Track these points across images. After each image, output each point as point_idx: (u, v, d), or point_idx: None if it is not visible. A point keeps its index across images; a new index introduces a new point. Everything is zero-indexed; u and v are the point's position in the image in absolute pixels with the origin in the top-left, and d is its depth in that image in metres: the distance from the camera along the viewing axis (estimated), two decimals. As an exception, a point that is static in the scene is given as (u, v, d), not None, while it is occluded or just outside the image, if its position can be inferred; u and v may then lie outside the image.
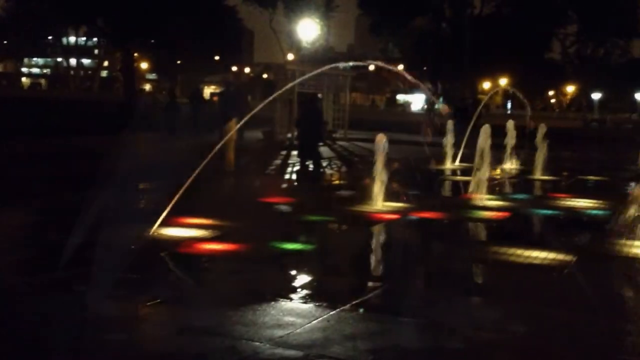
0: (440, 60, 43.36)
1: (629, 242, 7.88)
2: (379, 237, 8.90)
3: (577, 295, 6.13)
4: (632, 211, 8.05)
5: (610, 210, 10.44)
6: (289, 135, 23.90)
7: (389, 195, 10.46)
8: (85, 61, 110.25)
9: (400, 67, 42.20)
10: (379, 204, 10.27)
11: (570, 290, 6.31)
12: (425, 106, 43.50)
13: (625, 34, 60.15)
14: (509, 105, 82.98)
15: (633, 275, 7.09)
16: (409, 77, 11.35)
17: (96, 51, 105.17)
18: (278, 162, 18.33)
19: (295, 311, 5.20)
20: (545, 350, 4.64)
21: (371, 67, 66.19)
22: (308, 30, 38.15)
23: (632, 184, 12.23)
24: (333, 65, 15.04)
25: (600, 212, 10.81)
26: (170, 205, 7.84)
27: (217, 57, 67.70)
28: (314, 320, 4.95)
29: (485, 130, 12.01)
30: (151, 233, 7.66)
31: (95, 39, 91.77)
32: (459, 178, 15.38)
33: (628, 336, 5.06)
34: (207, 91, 68.32)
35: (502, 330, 5.04)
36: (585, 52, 65.25)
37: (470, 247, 8.07)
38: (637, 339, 5.09)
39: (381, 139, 10.55)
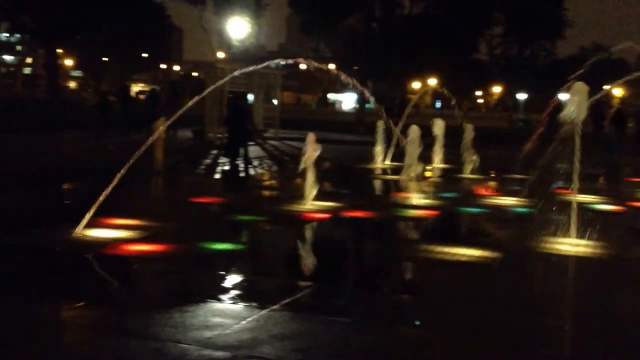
0: (370, 59, 43.85)
1: (552, 239, 8.20)
2: (309, 236, 8.94)
3: (502, 291, 6.35)
4: (554, 208, 8.37)
5: (535, 208, 10.84)
6: (219, 134, 23.72)
7: (320, 195, 10.53)
8: (7, 58, 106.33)
9: (332, 66, 42.56)
10: (310, 203, 10.33)
11: (496, 286, 6.53)
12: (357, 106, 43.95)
13: (550, 36, 62.37)
14: (438, 104, 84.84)
15: (556, 270, 7.38)
16: (343, 76, 11.47)
17: (19, 47, 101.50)
18: (208, 161, 18.17)
19: (225, 312, 5.18)
20: (472, 346, 4.77)
21: (302, 66, 66.40)
22: (238, 28, 37.91)
23: (556, 182, 12.76)
24: (265, 64, 15.09)
25: (525, 210, 11.19)
26: (96, 206, 7.67)
27: (145, 55, 66.45)
28: (243, 320, 4.94)
29: (414, 130, 12.26)
30: (75, 234, 7.46)
31: (18, 35, 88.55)
32: (389, 177, 15.62)
33: (551, 330, 5.27)
34: (135, 89, 66.89)
35: (430, 327, 5.17)
36: (511, 53, 67.24)
37: (399, 246, 8.23)
38: (560, 332, 5.31)
39: (311, 138, 10.61)
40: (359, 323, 5.16)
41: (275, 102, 31.31)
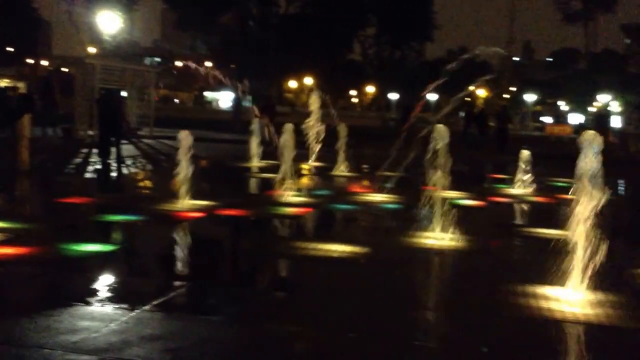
0: (247, 58, 43.75)
1: (418, 233, 8.61)
2: (183, 235, 8.85)
3: (372, 285, 6.60)
4: (421, 204, 8.76)
5: (405, 204, 11.34)
6: (90, 132, 22.86)
7: (195, 193, 10.46)
8: None
9: (209, 64, 42.02)
10: (185, 202, 10.24)
11: (366, 280, 6.78)
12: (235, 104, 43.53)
13: (419, 38, 64.93)
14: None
15: (422, 263, 7.76)
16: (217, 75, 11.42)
17: None
18: (78, 160, 17.48)
19: (92, 315, 5.06)
20: (345, 339, 4.93)
21: (178, 63, 65.16)
22: (109, 22, 36.56)
23: (425, 180, 13.36)
24: (140, 60, 14.67)
25: (394, 206, 11.67)
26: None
27: (10, 49, 62.63)
28: (112, 323, 4.85)
29: (289, 129, 12.42)
30: None
31: None
32: (264, 175, 15.72)
33: (421, 321, 5.56)
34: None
35: (304, 322, 5.30)
36: (383, 54, 69.34)
37: (273, 243, 8.33)
38: (430, 322, 5.62)
39: (185, 136, 10.51)
40: (231, 321, 5.20)
41: (150, 99, 30.53)
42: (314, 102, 18.97)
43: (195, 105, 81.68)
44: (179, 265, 7.32)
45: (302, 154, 18.86)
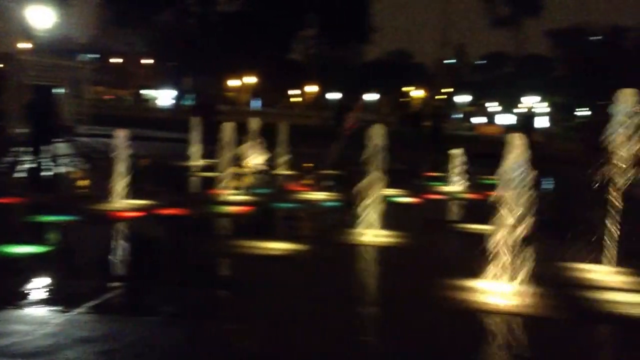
0: (187, 55, 43.18)
1: (357, 230, 8.66)
2: (120, 235, 8.65)
3: (312, 281, 6.61)
4: (360, 202, 8.82)
5: (344, 202, 11.39)
6: (22, 130, 22.08)
7: (133, 193, 10.23)
8: None
9: (148, 61, 41.28)
10: (122, 201, 10.01)
11: (306, 277, 6.77)
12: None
13: (359, 39, 65.49)
14: (258, 103, 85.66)
15: (360, 259, 7.81)
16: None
17: None
18: (9, 159, 16.84)
19: (24, 318, 4.88)
20: (284, 335, 4.91)
21: (115, 60, 63.77)
22: (43, 17, 35.37)
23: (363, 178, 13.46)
24: (75, 57, 14.26)
25: (334, 204, 11.72)
26: None
27: None
28: (45, 325, 4.68)
29: (228, 127, 12.32)
30: None
31: None
32: (204, 174, 15.54)
33: (360, 316, 5.58)
34: None
35: (244, 320, 5.24)
36: (324, 54, 69.64)
37: (213, 242, 8.24)
38: (367, 318, 5.65)
39: (122, 135, 10.28)
40: (168, 321, 5.10)
41: (85, 96, 29.73)
42: (255, 125, 18.82)
43: (134, 103, 79.98)
44: (116, 266, 7.13)
45: (243, 152, 18.75)
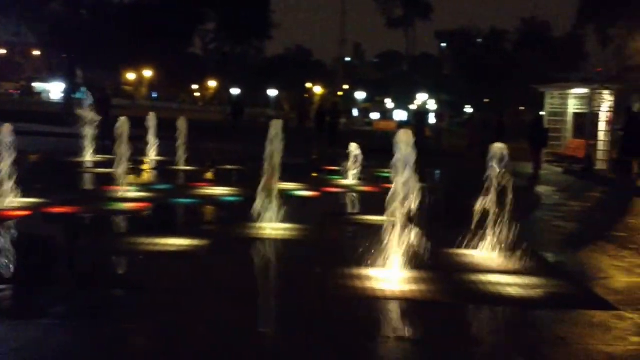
0: (79, 48, 41.37)
1: (257, 225, 8.68)
2: (4, 236, 8.13)
3: (212, 277, 6.56)
4: (260, 197, 8.85)
5: (244, 197, 11.38)
6: None
7: (19, 191, 9.70)
8: None
9: (37, 52, 39.27)
10: (7, 200, 9.49)
11: (206, 273, 6.72)
12: None
13: (259, 35, 65.30)
14: (154, 96, 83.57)
15: (260, 253, 7.85)
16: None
17: None
18: None
19: None
20: (183, 331, 4.86)
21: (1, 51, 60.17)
22: None
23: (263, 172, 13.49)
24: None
25: (235, 199, 11.68)
26: None
27: None
28: None
29: (124, 122, 11.99)
30: None
31: None
32: (100, 170, 15.02)
33: (259, 308, 5.61)
34: None
35: (141, 318, 5.15)
36: (224, 49, 68.92)
37: (109, 240, 7.98)
38: (266, 310, 5.69)
39: (6, 130, 9.74)
40: (59, 323, 4.89)
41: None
42: (153, 120, 18.49)
43: (23, 97, 75.81)
44: (0, 268, 6.75)
45: (141, 148, 18.30)
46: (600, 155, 20.75)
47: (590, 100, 21.37)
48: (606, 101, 21.25)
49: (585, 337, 5.07)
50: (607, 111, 21.10)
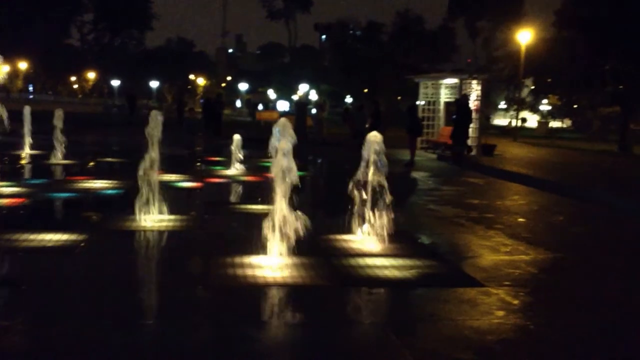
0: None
1: (138, 217, 8.38)
2: None
3: (90, 271, 6.26)
4: (142, 188, 8.54)
5: (124, 189, 10.96)
6: None
7: None
8: None
9: None
10: None
11: (85, 267, 6.40)
12: None
13: (139, 26, 63.22)
14: (30, 89, 78.88)
15: (141, 246, 7.58)
16: None
17: None
18: None
19: None
20: (62, 328, 4.62)
21: None
22: None
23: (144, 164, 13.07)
24: None
25: (115, 192, 11.22)
26: None
27: None
28: None
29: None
30: None
31: None
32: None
33: (141, 301, 5.42)
34: None
35: (11, 317, 4.84)
36: (103, 40, 66.21)
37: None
38: (148, 302, 5.50)
39: None
40: None
41: None
42: (27, 113, 17.46)
43: None
44: None
45: (17, 142, 17.22)
46: (470, 141, 21.81)
47: (460, 90, 22.40)
48: (474, 90, 22.38)
49: (454, 313, 5.29)
50: (475, 100, 22.23)
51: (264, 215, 6.67)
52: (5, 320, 4.71)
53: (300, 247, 6.58)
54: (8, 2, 42.46)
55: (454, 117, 20.06)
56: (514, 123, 45.16)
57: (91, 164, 16.10)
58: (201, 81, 79.36)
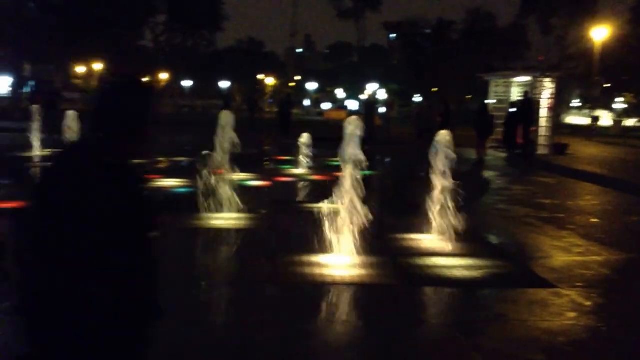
0: (25, 40, 40.07)
1: (210, 215, 8.61)
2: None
3: (168, 264, 6.47)
4: (212, 187, 8.77)
5: (194, 188, 11.25)
6: None
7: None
8: None
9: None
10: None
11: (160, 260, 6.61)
12: None
13: (210, 27, 64.53)
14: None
15: (213, 243, 7.78)
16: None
17: None
18: None
19: None
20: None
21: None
22: None
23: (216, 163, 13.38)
24: None
25: (185, 190, 11.53)
26: None
27: None
28: None
29: (72, 115, 11.73)
30: None
31: None
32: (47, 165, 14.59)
33: (213, 296, 5.59)
34: None
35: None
36: (175, 41, 67.88)
37: None
38: (220, 297, 5.67)
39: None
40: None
41: None
42: None
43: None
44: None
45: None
46: (542, 140, 21.28)
47: (532, 88, 21.87)
48: (547, 88, 21.79)
49: (525, 314, 5.21)
50: (549, 98, 21.65)
51: (332, 214, 6.74)
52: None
53: (368, 246, 6.61)
54: (83, 5, 44.12)
55: (510, 113, 19.88)
56: (587, 122, 43.70)
57: (162, 163, 16.57)
58: (270, 81, 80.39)
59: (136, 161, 2.42)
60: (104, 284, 2.11)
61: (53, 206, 2.17)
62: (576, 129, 45.18)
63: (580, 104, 61.50)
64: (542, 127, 21.25)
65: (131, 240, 2.25)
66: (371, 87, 69.04)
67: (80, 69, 60.05)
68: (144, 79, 2.87)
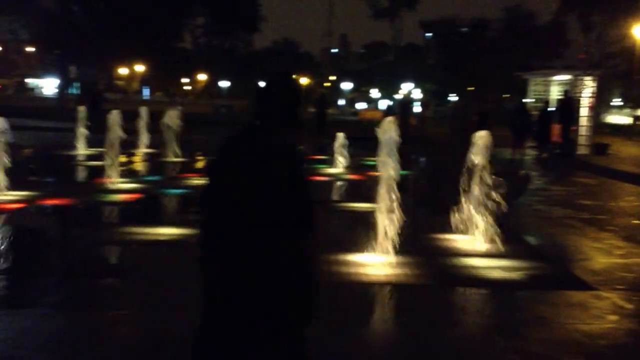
0: (71, 43, 41.00)
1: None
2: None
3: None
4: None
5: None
6: None
7: (15, 184, 9.68)
8: None
9: (31, 49, 38.88)
10: (1, 193, 9.45)
11: (191, 260, 6.68)
12: None
13: (248, 29, 64.97)
14: (147, 91, 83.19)
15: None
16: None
17: None
18: None
19: None
20: (172, 318, 4.87)
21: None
22: None
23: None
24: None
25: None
26: None
27: None
28: None
29: (115, 115, 11.91)
30: None
31: None
32: (92, 163, 14.92)
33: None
34: None
35: (134, 306, 5.14)
36: (213, 42, 68.54)
37: (102, 230, 7.97)
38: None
39: (1, 124, 9.69)
40: (53, 312, 4.88)
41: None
42: (144, 113, 18.49)
43: (17, 92, 75.25)
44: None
45: (133, 140, 18.20)
46: (582, 140, 20.86)
47: (572, 87, 21.45)
48: (588, 87, 21.34)
49: (564, 316, 5.11)
50: (590, 97, 21.19)
51: (368, 214, 6.71)
52: (123, 310, 5.00)
53: (405, 246, 6.56)
54: (125, 9, 44.88)
55: (544, 111, 19.60)
56: (628, 121, 42.67)
57: (201, 161, 16.74)
58: (304, 81, 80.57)
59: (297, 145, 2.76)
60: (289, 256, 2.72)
61: (235, 189, 2.61)
62: (617, 129, 44.21)
63: (621, 103, 60.12)
64: (582, 126, 20.82)
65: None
66: (406, 87, 68.61)
67: (123, 71, 61.13)
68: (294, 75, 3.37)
